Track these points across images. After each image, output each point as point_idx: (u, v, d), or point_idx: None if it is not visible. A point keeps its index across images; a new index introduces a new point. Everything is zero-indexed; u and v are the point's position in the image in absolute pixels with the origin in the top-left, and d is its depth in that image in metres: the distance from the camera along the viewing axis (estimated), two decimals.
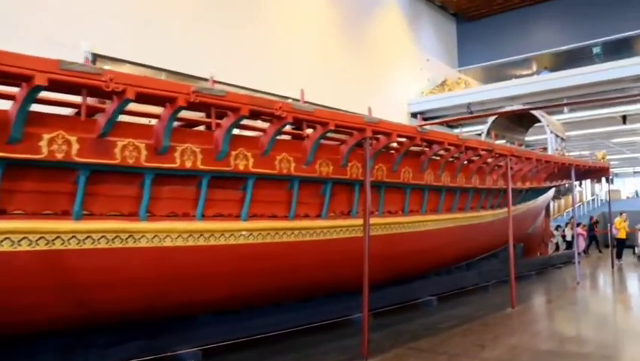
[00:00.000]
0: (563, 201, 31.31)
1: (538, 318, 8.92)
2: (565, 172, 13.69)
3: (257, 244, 6.12)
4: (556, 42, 24.60)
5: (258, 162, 5.91)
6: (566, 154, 17.53)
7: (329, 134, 6.85)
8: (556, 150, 16.82)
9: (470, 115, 20.17)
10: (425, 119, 24.79)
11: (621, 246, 18.40)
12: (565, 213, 30.00)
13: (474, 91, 23.33)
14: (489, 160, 9.90)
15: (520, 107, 17.68)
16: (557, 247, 23.66)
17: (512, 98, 21.31)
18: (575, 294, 11.87)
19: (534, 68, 25.55)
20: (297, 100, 7.84)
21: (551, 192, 17.64)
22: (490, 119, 17.68)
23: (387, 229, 7.91)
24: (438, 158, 8.71)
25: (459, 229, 9.95)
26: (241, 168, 5.76)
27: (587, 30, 23.95)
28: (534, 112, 17.04)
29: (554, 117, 20.33)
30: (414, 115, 24.06)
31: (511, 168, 11.09)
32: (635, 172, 42.23)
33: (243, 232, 5.98)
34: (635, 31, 21.40)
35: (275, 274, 6.52)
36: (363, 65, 22.70)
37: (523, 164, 11.05)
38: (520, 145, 18.78)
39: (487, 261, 12.71)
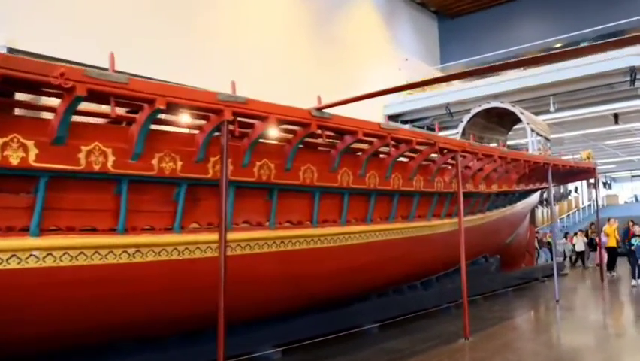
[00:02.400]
0: (557, 207, 29.45)
1: (493, 354, 7.08)
2: (542, 173, 11.89)
3: (61, 268, 4.37)
4: (543, 38, 22.82)
5: (46, 155, 4.15)
6: (553, 155, 15.76)
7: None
8: (539, 150, 15.10)
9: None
10: (403, 121, 23.17)
11: (612, 256, 16.48)
12: (558, 221, 28.12)
13: (454, 90, 21.50)
14: (434, 157, 8.16)
15: (508, 105, 15.88)
16: (564, 258, 21.52)
17: (495, 97, 19.55)
18: (552, 316, 10.04)
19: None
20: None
21: (535, 197, 15.80)
22: (466, 119, 15.95)
23: (287, 244, 6.13)
24: (360, 154, 6.98)
25: (402, 241, 8.17)
26: (14, 162, 4.01)
27: (574, 23, 22.12)
28: (513, 109, 15.34)
29: (540, 117, 18.59)
30: (391, 117, 22.29)
31: (468, 167, 9.38)
32: (633, 176, 40.06)
33: (35, 252, 4.23)
34: (624, 21, 19.62)
35: (97, 308, 4.77)
36: (334, 66, 21.05)
37: (483, 162, 9.27)
38: (503, 147, 17.11)
39: (451, 278, 10.86)
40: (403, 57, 24.28)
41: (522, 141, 19.66)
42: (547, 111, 19.62)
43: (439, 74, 24.59)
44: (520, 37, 24.14)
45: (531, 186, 12.83)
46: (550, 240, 22.37)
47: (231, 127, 5.25)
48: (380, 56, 23.43)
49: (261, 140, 5.71)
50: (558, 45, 22.89)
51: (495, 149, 9.65)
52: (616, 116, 20.18)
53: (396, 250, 8.07)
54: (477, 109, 15.72)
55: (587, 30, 20.74)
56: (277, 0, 19.42)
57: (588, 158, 15.30)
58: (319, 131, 5.80)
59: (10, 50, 12.51)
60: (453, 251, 9.59)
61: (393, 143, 6.93)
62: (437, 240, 9.14)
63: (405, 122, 22.78)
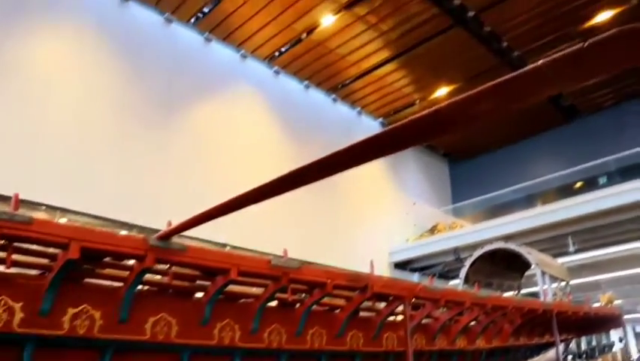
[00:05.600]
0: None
1: None
2: (545, 322, 9.82)
3: None
4: (557, 171, 21.41)
5: None
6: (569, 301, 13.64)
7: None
8: (555, 295, 13.15)
9: None
10: (413, 269, 21.37)
11: None
12: None
13: (462, 233, 19.92)
14: (372, 305, 6.43)
15: (513, 246, 14.20)
16: None
17: (508, 238, 17.79)
18: None
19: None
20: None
21: (552, 353, 13.38)
22: (468, 263, 14.24)
23: None
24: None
25: None
26: None
27: (588, 155, 20.63)
28: (519, 250, 13.69)
29: (561, 259, 16.67)
30: (397, 265, 20.63)
31: (435, 318, 7.53)
32: None
33: None
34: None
35: None
36: (336, 212, 19.85)
37: (454, 311, 7.43)
38: (517, 294, 15.17)
39: None
40: (411, 201, 23.10)
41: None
42: (567, 253, 17.70)
43: (450, 218, 23.26)
44: (533, 172, 22.70)
45: (537, 340, 10.64)
46: None
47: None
48: (386, 201, 22.31)
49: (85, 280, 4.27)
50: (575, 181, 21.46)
51: (467, 293, 7.81)
52: None
53: None
54: (479, 252, 14.10)
55: (603, 159, 19.20)
56: (266, 140, 18.79)
57: (610, 303, 13.10)
58: (162, 267, 4.31)
59: None
60: None
61: (299, 286, 5.34)
62: None
63: (414, 270, 21.04)
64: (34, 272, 4.16)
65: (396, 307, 6.40)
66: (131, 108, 14.98)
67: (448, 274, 21.39)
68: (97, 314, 4.16)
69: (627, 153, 18.55)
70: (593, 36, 1.92)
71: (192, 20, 17.31)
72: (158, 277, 4.80)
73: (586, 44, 1.97)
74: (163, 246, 4.21)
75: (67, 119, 13.66)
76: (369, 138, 2.68)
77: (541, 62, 2.04)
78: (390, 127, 2.57)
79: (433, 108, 2.31)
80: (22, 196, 9.33)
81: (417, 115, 2.36)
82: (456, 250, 19.11)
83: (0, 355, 3.86)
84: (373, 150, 2.98)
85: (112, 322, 4.23)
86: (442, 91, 21.11)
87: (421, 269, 21.18)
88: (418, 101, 22.00)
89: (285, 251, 5.43)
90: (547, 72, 2.15)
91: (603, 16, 17.27)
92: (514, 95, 2.36)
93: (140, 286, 4.49)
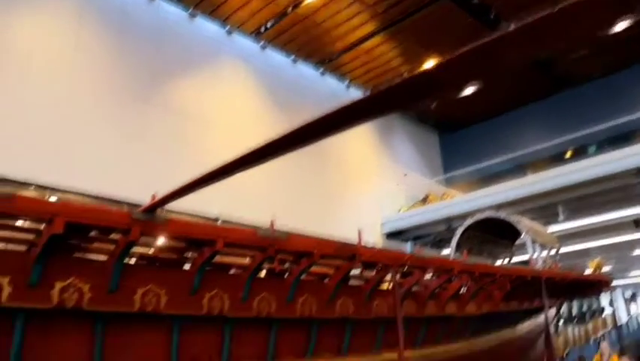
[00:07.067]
0: (590, 325, 26.64)
1: None
2: (535, 288, 9.96)
3: None
4: (547, 141, 21.43)
5: None
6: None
7: None
8: (545, 263, 13.26)
9: None
10: (405, 239, 21.52)
11: None
12: (592, 340, 25.11)
13: (454, 202, 19.98)
14: (361, 274, 6.51)
15: (503, 215, 14.28)
16: None
17: (499, 207, 17.91)
18: None
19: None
20: None
21: (541, 318, 13.60)
22: (458, 233, 14.31)
23: None
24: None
25: None
26: None
27: (579, 124, 20.63)
28: (508, 218, 13.76)
29: (551, 227, 16.83)
30: (389, 235, 20.76)
31: (424, 285, 7.63)
32: None
33: None
34: (633, 117, 18.17)
35: None
36: (327, 184, 19.88)
37: (442, 279, 7.53)
38: (509, 262, 15.35)
39: None
40: (401, 172, 23.15)
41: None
42: (557, 221, 17.84)
43: (441, 188, 23.34)
44: (524, 142, 22.76)
45: (527, 305, 10.81)
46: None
47: None
48: (376, 172, 22.35)
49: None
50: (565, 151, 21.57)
51: (455, 261, 7.93)
52: (637, 222, 18.23)
53: None
54: (469, 221, 14.14)
55: (593, 129, 19.20)
56: (255, 119, 18.61)
57: (598, 268, 13.26)
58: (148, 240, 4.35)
59: None
60: None
61: (285, 257, 5.41)
62: None
63: (406, 239, 21.17)
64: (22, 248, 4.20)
65: (385, 275, 6.47)
66: (115, 85, 14.85)
67: (440, 244, 21.55)
68: (85, 287, 4.20)
69: (616, 122, 18.58)
70: None
71: None
72: (146, 250, 4.86)
73: (556, 9, 1.98)
74: (147, 219, 4.24)
75: (52, 96, 13.52)
76: (357, 100, 2.75)
77: (513, 26, 2.05)
78: (373, 91, 2.62)
79: (418, 71, 2.36)
80: (10, 176, 9.37)
81: (409, 75, 2.42)
82: (448, 220, 19.23)
83: None
84: (362, 111, 3.05)
85: (101, 294, 4.27)
86: (431, 63, 21.01)
87: (414, 239, 21.31)
88: (406, 73, 21.87)
89: (273, 221, 5.49)
90: (519, 36, 2.16)
91: None
92: (489, 58, 2.38)
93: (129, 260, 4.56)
